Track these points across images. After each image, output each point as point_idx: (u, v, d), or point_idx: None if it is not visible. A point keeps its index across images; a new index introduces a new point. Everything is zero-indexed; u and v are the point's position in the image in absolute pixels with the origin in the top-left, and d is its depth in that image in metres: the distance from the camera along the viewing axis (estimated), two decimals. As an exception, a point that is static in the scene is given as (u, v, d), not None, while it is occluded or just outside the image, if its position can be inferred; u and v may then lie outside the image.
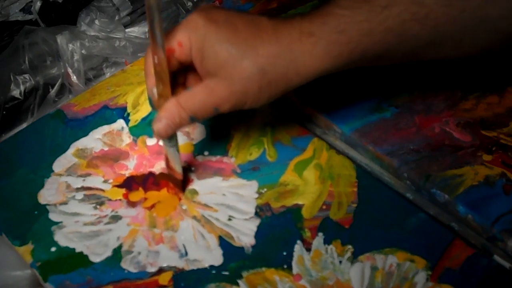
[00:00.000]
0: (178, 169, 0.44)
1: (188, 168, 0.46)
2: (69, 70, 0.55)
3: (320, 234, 0.42)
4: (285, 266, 0.40)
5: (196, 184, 0.45)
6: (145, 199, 0.44)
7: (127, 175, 0.46)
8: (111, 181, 0.45)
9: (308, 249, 0.41)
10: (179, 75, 0.42)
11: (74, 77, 0.55)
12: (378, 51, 0.40)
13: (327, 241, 0.41)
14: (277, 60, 0.39)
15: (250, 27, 0.39)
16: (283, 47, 0.39)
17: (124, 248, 0.41)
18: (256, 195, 0.44)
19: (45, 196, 0.44)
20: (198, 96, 0.40)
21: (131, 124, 0.49)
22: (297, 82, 0.40)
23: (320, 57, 0.39)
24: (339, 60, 0.40)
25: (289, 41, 0.39)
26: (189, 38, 0.39)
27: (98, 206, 0.44)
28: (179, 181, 0.44)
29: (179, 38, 0.39)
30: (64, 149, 0.48)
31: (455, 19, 0.39)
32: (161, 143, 0.48)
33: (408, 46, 0.40)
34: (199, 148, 0.48)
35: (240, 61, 0.38)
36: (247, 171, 0.46)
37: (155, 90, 0.41)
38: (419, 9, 0.39)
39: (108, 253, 0.41)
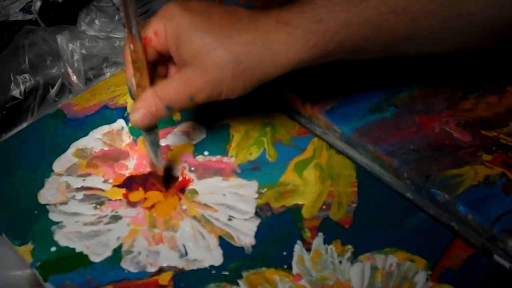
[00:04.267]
0: (158, 163, 0.43)
1: (188, 168, 0.46)
2: (69, 70, 0.55)
3: (320, 234, 0.42)
4: (285, 266, 0.40)
5: (196, 184, 0.45)
6: (145, 199, 0.44)
7: (127, 175, 0.46)
8: (111, 181, 0.45)
9: (308, 249, 0.41)
10: (160, 66, 0.42)
11: (74, 77, 0.55)
12: (355, 43, 0.39)
13: (327, 241, 0.41)
14: (252, 48, 0.38)
15: (226, 16, 0.39)
16: (259, 35, 0.38)
17: (124, 248, 0.41)
18: (256, 195, 0.44)
19: (45, 196, 0.44)
20: (173, 85, 0.39)
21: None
22: (273, 71, 0.39)
23: (296, 47, 0.38)
24: (316, 50, 0.39)
25: (265, 30, 0.38)
26: (164, 27, 0.39)
27: (98, 206, 0.44)
28: (160, 177, 0.44)
29: (155, 27, 0.39)
30: (64, 149, 0.48)
31: (433, 13, 0.39)
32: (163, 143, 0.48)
33: (386, 39, 0.40)
34: (199, 148, 0.48)
35: (214, 49, 0.38)
36: (247, 171, 0.46)
37: (133, 80, 0.40)
38: (398, 1, 0.38)
39: (108, 253, 0.41)
